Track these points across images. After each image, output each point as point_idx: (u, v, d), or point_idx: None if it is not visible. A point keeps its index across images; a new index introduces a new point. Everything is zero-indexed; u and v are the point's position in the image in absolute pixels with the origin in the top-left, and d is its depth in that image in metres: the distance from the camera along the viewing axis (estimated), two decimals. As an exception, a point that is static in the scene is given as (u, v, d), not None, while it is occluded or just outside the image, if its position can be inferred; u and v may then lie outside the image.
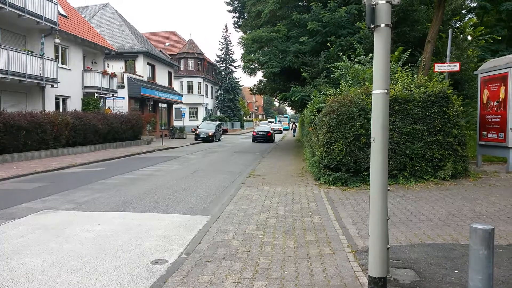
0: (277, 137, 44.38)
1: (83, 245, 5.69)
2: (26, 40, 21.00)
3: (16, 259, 5.14)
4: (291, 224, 6.54)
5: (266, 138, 33.44)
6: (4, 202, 8.59)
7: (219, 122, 38.07)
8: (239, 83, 65.61)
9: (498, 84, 11.30)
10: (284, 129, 65.86)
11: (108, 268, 4.84)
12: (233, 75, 64.86)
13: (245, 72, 25.44)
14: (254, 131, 35.14)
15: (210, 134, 33.03)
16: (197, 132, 33.51)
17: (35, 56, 19.69)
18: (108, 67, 30.06)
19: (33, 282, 4.41)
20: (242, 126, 70.33)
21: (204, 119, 50.01)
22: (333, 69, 14.21)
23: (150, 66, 37.14)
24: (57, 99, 22.96)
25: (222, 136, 42.42)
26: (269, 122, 75.96)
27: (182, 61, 54.07)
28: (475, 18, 20.46)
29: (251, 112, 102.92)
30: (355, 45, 14.30)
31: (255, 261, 4.85)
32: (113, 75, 27.76)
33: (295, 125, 50.06)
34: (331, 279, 4.28)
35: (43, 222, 7.00)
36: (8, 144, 15.54)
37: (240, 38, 22.31)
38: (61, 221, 7.07)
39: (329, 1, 17.28)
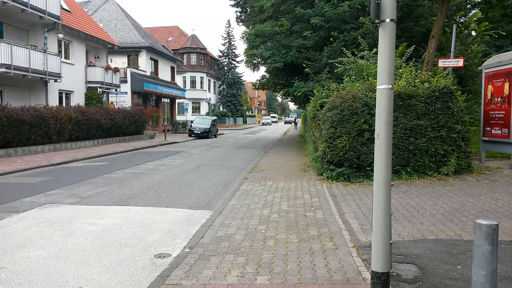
0: (282, 130, 51.22)
1: (87, 239, 5.73)
2: (29, 35, 21.02)
3: (21, 252, 5.18)
4: (293, 219, 6.56)
5: (290, 122, 68.62)
6: (8, 196, 8.64)
7: (215, 118, 36.23)
8: (241, 78, 65.47)
9: (503, 79, 11.23)
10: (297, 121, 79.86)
11: (111, 261, 4.87)
12: (236, 70, 64.75)
13: (248, 67, 25.38)
14: (285, 120, 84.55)
15: (205, 130, 31.21)
16: (191, 127, 31.63)
17: (38, 51, 19.71)
18: (111, 62, 30.08)
19: (37, 275, 4.45)
20: (244, 121, 70.33)
21: (207, 114, 50.00)
22: (336, 64, 14.15)
23: (153, 61, 37.12)
24: (60, 93, 23.02)
25: (225, 131, 42.42)
26: (272, 117, 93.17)
27: (185, 56, 54.00)
28: (479, 12, 20.30)
29: (253, 107, 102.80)
30: (359, 40, 14.23)
31: (258, 256, 4.87)
32: (116, 70, 27.77)
33: (297, 119, 59.03)
34: (334, 274, 4.29)
35: (47, 215, 7.04)
36: (11, 138, 15.61)
37: (243, 33, 22.17)
38: (65, 215, 7.11)
39: (332, -5, 17.19)
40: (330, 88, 12.53)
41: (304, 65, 18.03)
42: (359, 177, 9.94)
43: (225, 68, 64.04)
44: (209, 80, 58.30)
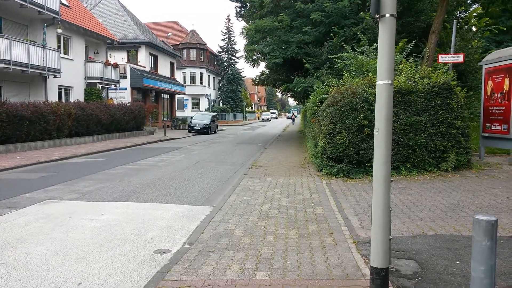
0: (282, 126, 51.42)
1: (87, 235, 5.74)
2: (28, 30, 20.94)
3: (21, 248, 5.18)
4: (293, 215, 6.56)
5: (291, 118, 62.53)
6: (8, 192, 8.65)
7: (215, 113, 36.07)
8: (241, 74, 65.31)
9: (503, 75, 11.21)
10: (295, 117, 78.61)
11: (111, 257, 4.88)
12: (236, 66, 64.61)
13: (247, 62, 25.30)
14: (287, 116, 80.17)
15: (205, 125, 31.08)
16: (191, 123, 31.51)
17: (38, 46, 19.65)
18: (110, 57, 30.00)
19: (37, 271, 4.46)
20: (244, 117, 70.26)
21: (207, 110, 49.94)
22: (336, 60, 14.12)
23: (152, 57, 37.02)
24: (59, 89, 22.97)
25: (224, 127, 42.40)
26: (271, 113, 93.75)
27: (185, 52, 53.83)
28: (480, 8, 20.24)
29: (253, 103, 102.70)
30: (359, 35, 14.19)
31: (258, 251, 4.88)
32: (115, 66, 27.70)
33: (294, 115, 61.72)
34: (333, 269, 4.30)
35: (47, 211, 7.05)
36: (11, 134, 15.60)
37: (242, 28, 22.09)
38: (64, 210, 7.12)
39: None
40: (330, 84, 12.51)
41: (304, 61, 17.99)
42: (359, 173, 9.94)
43: (225, 63, 63.86)
44: (208, 75, 58.18)
